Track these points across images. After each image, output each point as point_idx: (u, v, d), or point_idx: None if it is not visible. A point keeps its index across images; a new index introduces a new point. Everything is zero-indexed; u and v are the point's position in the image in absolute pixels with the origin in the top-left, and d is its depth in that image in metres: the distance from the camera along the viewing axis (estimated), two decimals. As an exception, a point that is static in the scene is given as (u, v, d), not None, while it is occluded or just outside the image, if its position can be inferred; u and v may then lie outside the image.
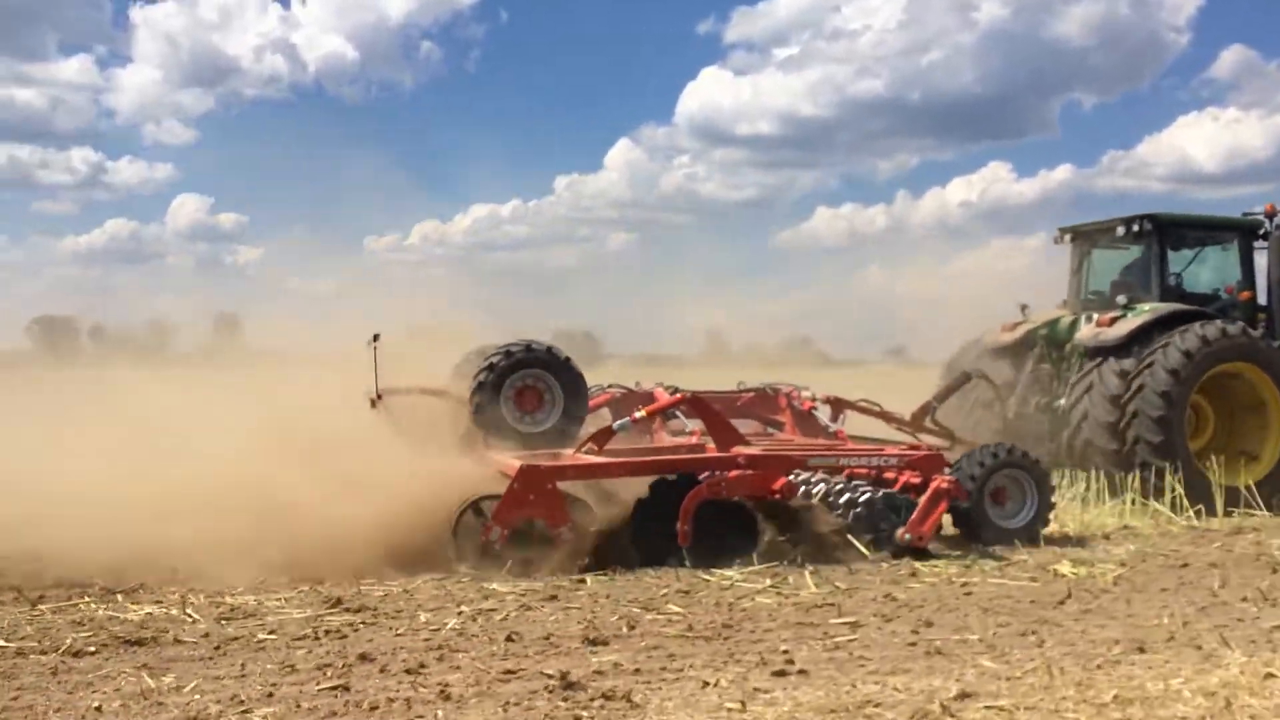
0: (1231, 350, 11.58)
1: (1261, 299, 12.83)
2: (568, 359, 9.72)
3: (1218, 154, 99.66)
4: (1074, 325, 12.51)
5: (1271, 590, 6.99)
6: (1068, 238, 13.78)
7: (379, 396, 9.95)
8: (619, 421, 9.32)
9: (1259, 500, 11.08)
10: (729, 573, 7.61)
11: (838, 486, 8.32)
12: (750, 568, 7.77)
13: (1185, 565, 8.09)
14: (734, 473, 8.46)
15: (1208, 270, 13.19)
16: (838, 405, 12.32)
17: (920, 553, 8.21)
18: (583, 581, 7.47)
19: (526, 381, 9.53)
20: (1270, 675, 4.93)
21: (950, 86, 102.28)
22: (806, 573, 7.60)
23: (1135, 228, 12.75)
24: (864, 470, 8.79)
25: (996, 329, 13.47)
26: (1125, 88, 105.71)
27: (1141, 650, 5.50)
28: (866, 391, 12.63)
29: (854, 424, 12.32)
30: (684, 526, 8.08)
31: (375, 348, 10.08)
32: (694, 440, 10.18)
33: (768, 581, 7.40)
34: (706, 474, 8.41)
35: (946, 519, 8.89)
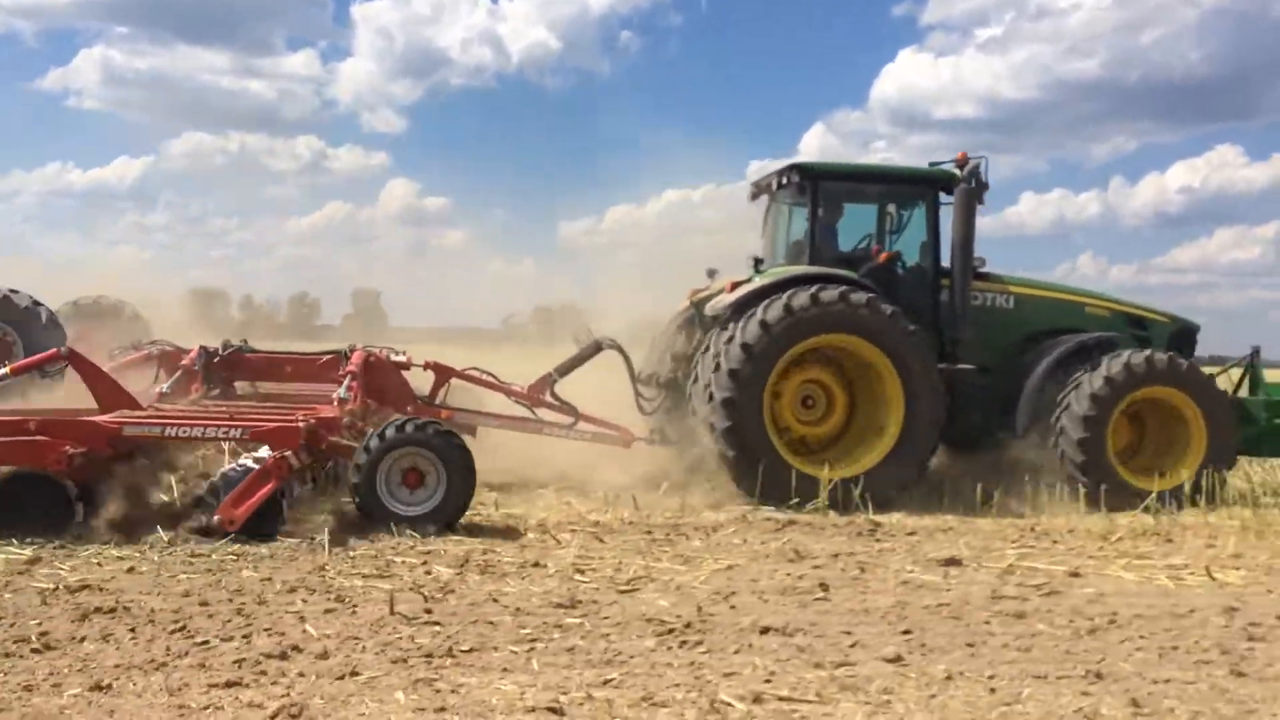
0: (826, 321, 10.08)
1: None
2: (32, 306, 8.76)
3: None
4: None
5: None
6: (753, 194, 12.21)
7: None
8: None
9: (857, 495, 9.73)
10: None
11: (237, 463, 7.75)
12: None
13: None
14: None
15: (890, 229, 11.57)
16: (441, 372, 11.38)
17: (243, 535, 7.42)
18: None
19: None
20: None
21: (1173, 66, 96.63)
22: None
23: (784, 180, 11.21)
24: (198, 439, 7.98)
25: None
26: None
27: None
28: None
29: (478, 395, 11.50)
30: None
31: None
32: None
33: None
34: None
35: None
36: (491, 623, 5.67)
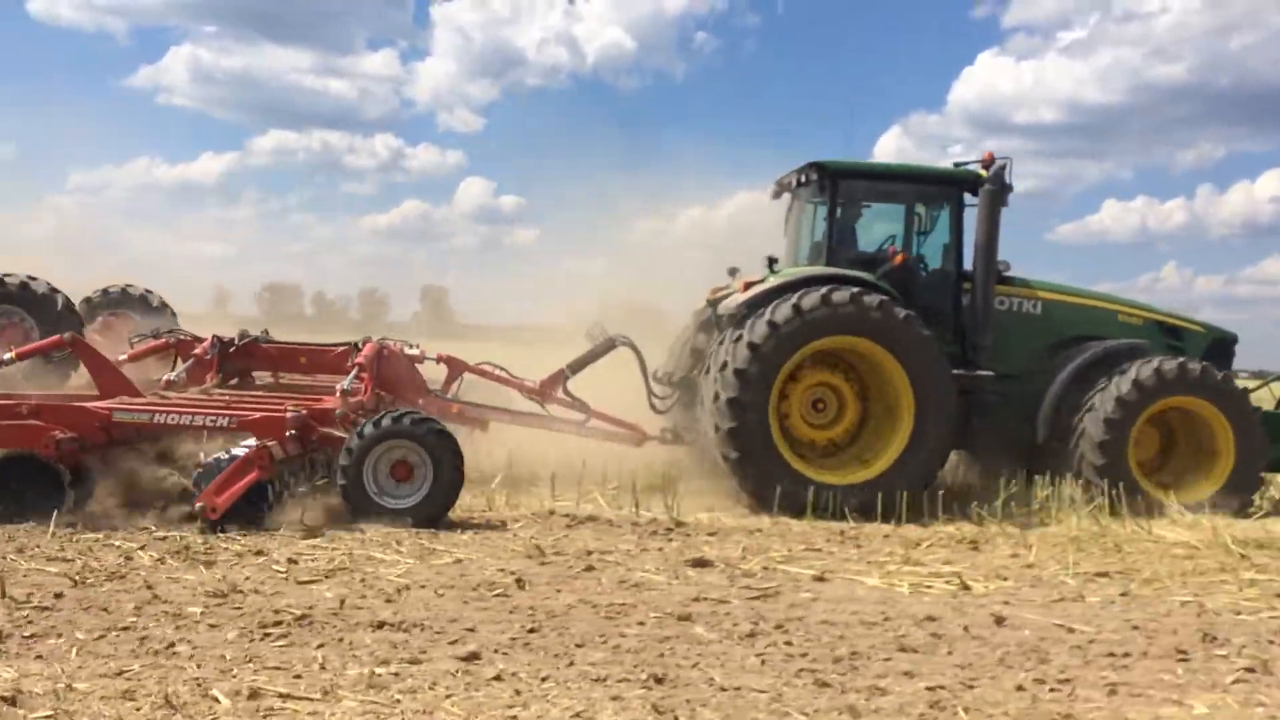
0: (834, 323, 9.78)
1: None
2: (49, 293, 8.98)
3: None
4: None
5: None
6: (776, 192, 11.97)
7: None
8: None
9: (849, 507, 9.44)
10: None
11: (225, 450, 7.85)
12: None
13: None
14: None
15: (914, 230, 11.17)
16: (454, 366, 11.31)
17: (216, 524, 7.49)
18: None
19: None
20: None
21: (1265, 72, 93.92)
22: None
23: (804, 178, 11.02)
24: (185, 426, 8.20)
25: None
26: None
27: None
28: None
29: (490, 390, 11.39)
30: None
31: None
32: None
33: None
34: None
35: None
36: (106, 610, 5.49)
